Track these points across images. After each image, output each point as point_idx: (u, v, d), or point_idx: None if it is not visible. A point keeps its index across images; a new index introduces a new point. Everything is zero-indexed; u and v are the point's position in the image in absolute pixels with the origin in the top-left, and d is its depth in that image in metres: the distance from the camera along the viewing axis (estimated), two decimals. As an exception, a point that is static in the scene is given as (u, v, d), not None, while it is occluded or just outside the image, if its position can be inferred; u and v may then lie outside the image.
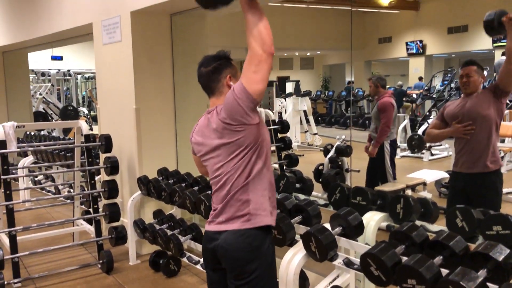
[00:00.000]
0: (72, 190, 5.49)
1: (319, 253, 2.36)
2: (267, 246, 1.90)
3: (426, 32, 16.59)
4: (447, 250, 2.02)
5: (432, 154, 8.50)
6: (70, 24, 5.06)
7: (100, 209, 4.09)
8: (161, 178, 3.99)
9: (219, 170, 1.91)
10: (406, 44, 17.05)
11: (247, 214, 1.87)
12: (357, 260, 2.33)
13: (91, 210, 4.57)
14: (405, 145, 8.49)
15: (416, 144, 8.34)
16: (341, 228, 2.48)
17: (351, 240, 2.46)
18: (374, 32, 17.97)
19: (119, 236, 3.99)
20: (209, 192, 3.38)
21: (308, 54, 21.19)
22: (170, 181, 3.85)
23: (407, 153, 8.72)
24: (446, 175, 5.43)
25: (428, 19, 16.43)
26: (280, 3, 10.70)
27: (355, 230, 2.46)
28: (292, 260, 2.46)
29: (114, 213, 4.00)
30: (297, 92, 10.20)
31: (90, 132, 4.14)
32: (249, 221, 1.87)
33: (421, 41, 16.65)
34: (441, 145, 8.56)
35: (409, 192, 4.90)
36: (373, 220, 2.77)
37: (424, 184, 5.14)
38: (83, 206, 4.95)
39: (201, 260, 3.30)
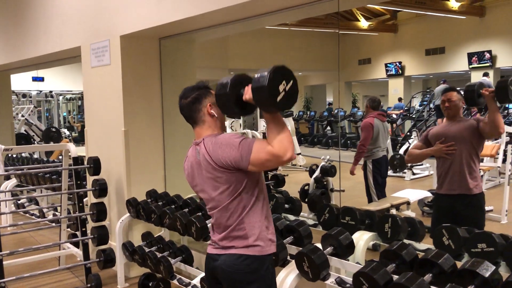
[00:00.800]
0: (57, 213, 5.44)
1: (312, 273, 2.40)
2: (266, 268, 1.94)
3: (405, 54, 17.03)
4: (436, 267, 2.09)
5: (413, 174, 8.66)
6: (57, 47, 5.08)
7: (88, 232, 4.07)
8: (150, 200, 4.00)
9: (211, 203, 1.97)
10: (386, 65, 17.45)
11: (246, 247, 1.92)
12: (348, 279, 2.38)
13: (78, 233, 4.55)
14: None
15: (398, 164, 8.50)
16: (332, 247, 2.54)
17: (342, 259, 2.52)
18: (354, 54, 18.36)
19: (108, 259, 3.97)
20: (200, 213, 3.42)
21: (291, 75, 21.45)
22: (159, 203, 3.86)
23: (390, 172, 8.86)
24: (429, 194, 5.56)
25: (406, 41, 16.90)
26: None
27: (346, 250, 2.52)
28: (285, 280, 2.50)
29: (102, 235, 3.98)
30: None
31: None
32: (249, 250, 1.92)
33: (400, 63, 17.08)
34: (422, 164, 8.74)
35: (393, 211, 4.99)
36: (362, 239, 2.83)
37: (408, 203, 5.25)
38: (69, 229, 4.90)
39: (192, 282, 3.30)
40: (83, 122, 14.65)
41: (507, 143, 5.84)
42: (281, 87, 1.78)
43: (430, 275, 2.08)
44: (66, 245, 4.46)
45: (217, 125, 2.01)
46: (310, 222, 4.41)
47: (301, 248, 2.69)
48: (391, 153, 9.13)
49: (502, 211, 5.46)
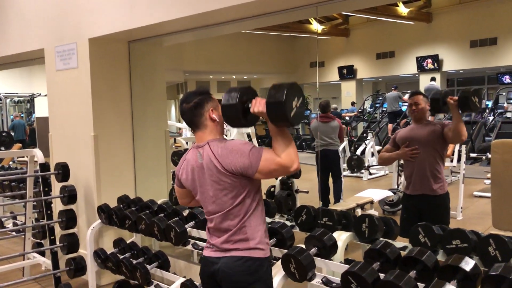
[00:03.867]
0: (17, 222, 5.23)
1: (299, 274, 2.46)
2: (266, 269, 2.00)
3: (357, 57, 17.54)
4: (420, 264, 2.21)
5: (370, 174, 8.97)
6: (18, 48, 4.89)
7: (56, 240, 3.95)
8: (122, 205, 3.93)
9: (212, 206, 1.99)
10: (338, 68, 17.89)
11: (248, 249, 1.96)
12: (335, 279, 2.47)
13: (43, 242, 4.40)
14: (345, 165, 8.90)
15: (356, 165, 8.80)
16: (316, 248, 2.62)
17: (326, 259, 2.60)
18: (306, 57, 18.69)
19: (78, 268, 3.87)
20: (178, 218, 3.40)
21: (245, 77, 21.56)
22: (132, 208, 3.81)
23: (347, 172, 9.14)
24: (391, 194, 5.79)
25: (358, 45, 17.41)
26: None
27: (330, 250, 2.60)
28: (271, 282, 2.55)
29: (72, 243, 3.88)
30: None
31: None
32: (248, 252, 1.96)
33: (352, 66, 17.58)
34: (378, 165, 9.06)
35: (358, 210, 5.17)
36: (340, 239, 2.93)
37: (372, 202, 5.44)
38: (33, 239, 4.71)
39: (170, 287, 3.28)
40: (32, 126, 14.11)
41: (461, 144, 6.17)
42: (294, 103, 1.84)
43: (414, 271, 2.19)
44: (32, 254, 4.29)
45: (218, 130, 2.05)
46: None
47: (284, 250, 2.76)
48: (348, 154, 9.42)
49: (457, 208, 5.76)
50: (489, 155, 6.75)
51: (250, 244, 1.96)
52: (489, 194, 6.23)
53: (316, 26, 16.02)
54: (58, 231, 4.09)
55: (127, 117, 4.30)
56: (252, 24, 3.63)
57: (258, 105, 1.87)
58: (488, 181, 7.10)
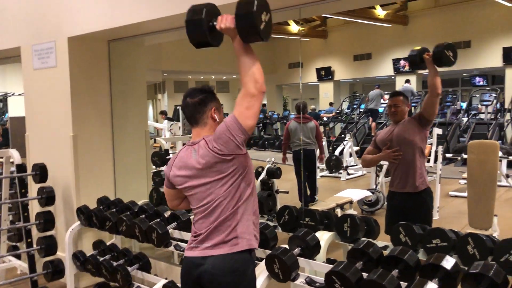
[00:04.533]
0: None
1: (283, 274, 2.48)
2: (251, 270, 2.00)
3: (334, 59, 17.71)
4: (402, 263, 2.24)
5: (348, 174, 9.06)
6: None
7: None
8: (102, 207, 3.87)
9: (207, 198, 1.97)
10: (317, 69, 18.03)
11: (234, 238, 1.95)
12: (318, 279, 2.49)
13: (18, 244, 4.31)
14: (324, 165, 8.97)
15: (334, 165, 8.88)
16: (299, 248, 2.64)
17: (309, 259, 2.62)
18: (284, 58, 18.77)
19: (57, 270, 3.79)
20: (160, 219, 3.38)
21: (224, 77, 21.54)
22: (113, 210, 3.76)
23: (326, 173, 9.22)
24: (369, 194, 5.87)
25: (336, 47, 17.59)
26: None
27: (313, 250, 2.62)
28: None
29: (50, 246, 3.81)
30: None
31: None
32: (236, 245, 1.95)
33: (329, 67, 17.73)
34: (356, 165, 9.17)
35: (338, 210, 5.22)
36: (322, 239, 2.96)
37: (351, 202, 5.50)
38: (8, 241, 4.60)
39: (152, 289, 3.26)
40: (5, 126, 13.77)
41: (437, 145, 6.30)
42: (263, 17, 1.82)
43: (397, 270, 2.23)
44: (7, 258, 4.19)
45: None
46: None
47: (267, 251, 2.77)
48: (326, 155, 9.50)
49: (434, 207, 5.86)
50: (464, 156, 6.94)
51: (238, 232, 1.95)
52: (464, 194, 6.41)
53: (297, 28, 16.11)
54: (35, 234, 4.01)
55: (106, 117, 4.24)
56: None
57: (225, 21, 1.85)
58: (463, 181, 7.27)
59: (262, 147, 13.61)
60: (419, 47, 3.39)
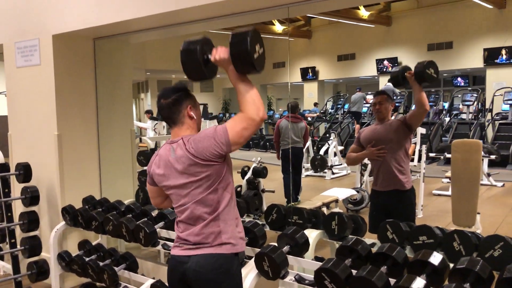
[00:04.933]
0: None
1: (272, 272, 2.49)
2: (236, 268, 2.00)
3: (319, 59, 17.80)
4: (390, 260, 2.27)
5: (333, 173, 9.12)
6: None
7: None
8: (87, 206, 3.83)
9: (184, 199, 1.97)
10: (301, 69, 18.09)
11: (219, 244, 1.95)
12: (307, 276, 2.50)
13: (1, 245, 4.24)
14: (309, 165, 9.02)
15: (319, 164, 8.93)
16: (288, 246, 2.65)
17: (298, 257, 2.63)
18: (268, 57, 18.66)
19: (41, 271, 3.75)
20: (147, 219, 3.36)
21: (208, 77, 21.46)
22: (98, 209, 3.72)
23: (311, 172, 9.26)
24: (355, 192, 5.92)
25: (320, 47, 17.67)
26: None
27: (302, 248, 2.64)
28: (244, 280, 2.55)
29: (35, 246, 3.76)
30: (205, 115, 10.35)
31: None
32: (220, 248, 1.95)
33: (314, 67, 17.81)
34: (341, 164, 9.23)
35: (324, 209, 5.25)
36: (311, 237, 2.97)
37: (336, 201, 5.54)
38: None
39: (139, 289, 3.23)
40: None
41: (421, 144, 6.38)
42: (257, 48, 1.86)
43: (385, 267, 2.25)
44: (-11, 259, 4.12)
45: (195, 127, 2.06)
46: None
47: (256, 249, 2.78)
48: (312, 154, 9.55)
49: (418, 206, 5.94)
50: (447, 155, 7.04)
51: (222, 239, 1.95)
52: (447, 192, 6.51)
53: (281, 28, 16.14)
54: (19, 234, 3.95)
55: (92, 116, 4.19)
56: (221, 23, 3.63)
57: (219, 53, 1.88)
58: (446, 180, 7.38)
59: (247, 146, 13.60)
60: (400, 66, 3.45)
